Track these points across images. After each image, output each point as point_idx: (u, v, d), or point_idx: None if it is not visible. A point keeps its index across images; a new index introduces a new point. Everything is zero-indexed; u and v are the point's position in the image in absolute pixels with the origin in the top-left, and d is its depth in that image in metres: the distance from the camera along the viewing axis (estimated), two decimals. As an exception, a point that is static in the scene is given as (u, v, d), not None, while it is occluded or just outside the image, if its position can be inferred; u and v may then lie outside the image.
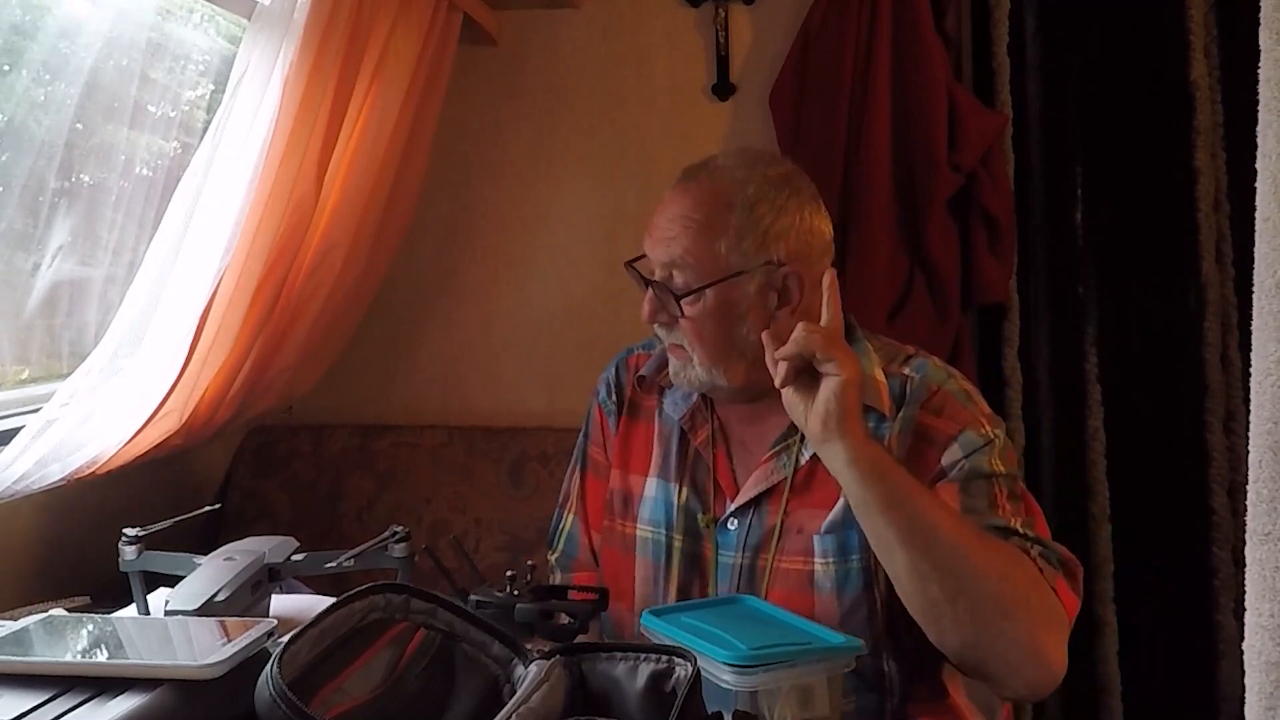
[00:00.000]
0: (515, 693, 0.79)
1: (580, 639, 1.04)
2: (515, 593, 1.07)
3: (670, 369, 1.20)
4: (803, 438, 1.15)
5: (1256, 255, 0.51)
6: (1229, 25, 1.83)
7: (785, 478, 1.16)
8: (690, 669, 0.78)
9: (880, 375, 1.16)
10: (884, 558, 1.03)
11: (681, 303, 1.13)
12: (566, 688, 0.81)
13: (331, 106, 1.50)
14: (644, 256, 1.18)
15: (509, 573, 1.09)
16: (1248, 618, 0.51)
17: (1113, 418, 1.87)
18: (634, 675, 0.81)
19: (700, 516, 1.20)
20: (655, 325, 1.17)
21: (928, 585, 1.00)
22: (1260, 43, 0.51)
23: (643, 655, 0.81)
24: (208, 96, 1.64)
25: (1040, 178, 1.90)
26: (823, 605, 1.11)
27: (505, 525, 1.95)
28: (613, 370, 1.34)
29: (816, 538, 1.12)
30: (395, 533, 1.16)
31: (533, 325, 2.11)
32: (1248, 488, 0.51)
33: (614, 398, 1.32)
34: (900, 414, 1.13)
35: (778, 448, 1.17)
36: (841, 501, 1.11)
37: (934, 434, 1.12)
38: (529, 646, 0.86)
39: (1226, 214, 1.85)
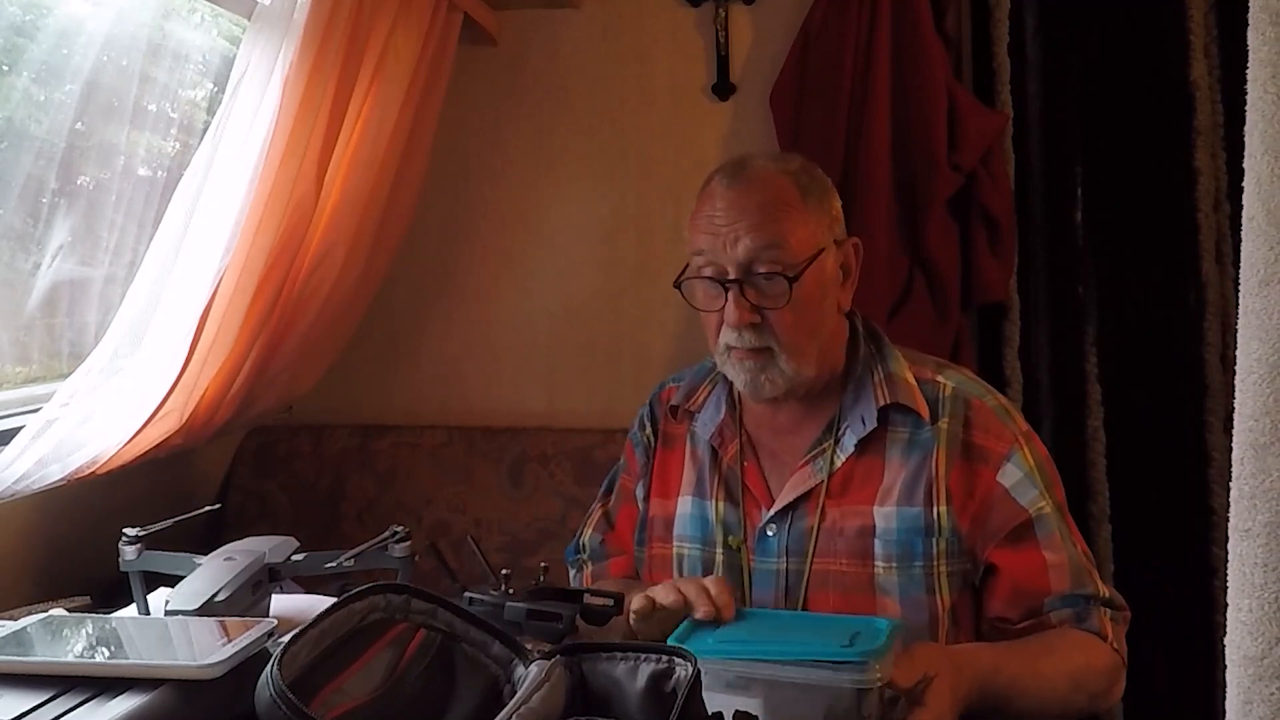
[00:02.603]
0: (516, 693, 0.79)
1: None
2: (510, 591, 1.07)
3: (743, 381, 1.17)
4: (837, 442, 1.19)
5: (1243, 254, 0.51)
6: (1229, 25, 1.83)
7: (821, 481, 1.18)
8: (690, 669, 0.78)
9: (911, 379, 1.19)
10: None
11: (793, 285, 1.12)
12: (567, 688, 0.81)
13: (331, 106, 1.50)
14: (689, 271, 1.19)
15: (504, 571, 1.10)
16: (1229, 613, 0.52)
17: (1113, 418, 1.87)
18: (634, 675, 0.81)
19: (731, 539, 1.21)
20: (738, 330, 1.14)
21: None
22: (1249, 43, 0.52)
23: (643, 655, 0.81)
24: (208, 96, 1.64)
25: (1040, 178, 1.90)
26: (884, 608, 1.14)
27: (505, 525, 1.95)
28: (647, 407, 1.37)
29: (878, 541, 1.15)
30: (395, 533, 1.16)
31: (533, 325, 2.11)
32: (1230, 484, 0.52)
33: (646, 431, 1.35)
34: (943, 426, 1.16)
35: (813, 453, 1.20)
36: (893, 508, 1.15)
37: (985, 453, 1.16)
38: (530, 647, 0.86)
39: (1226, 214, 1.85)
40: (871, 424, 1.17)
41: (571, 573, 1.41)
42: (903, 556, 1.14)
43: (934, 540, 1.14)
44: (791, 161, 1.20)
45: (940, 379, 1.20)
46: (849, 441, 1.18)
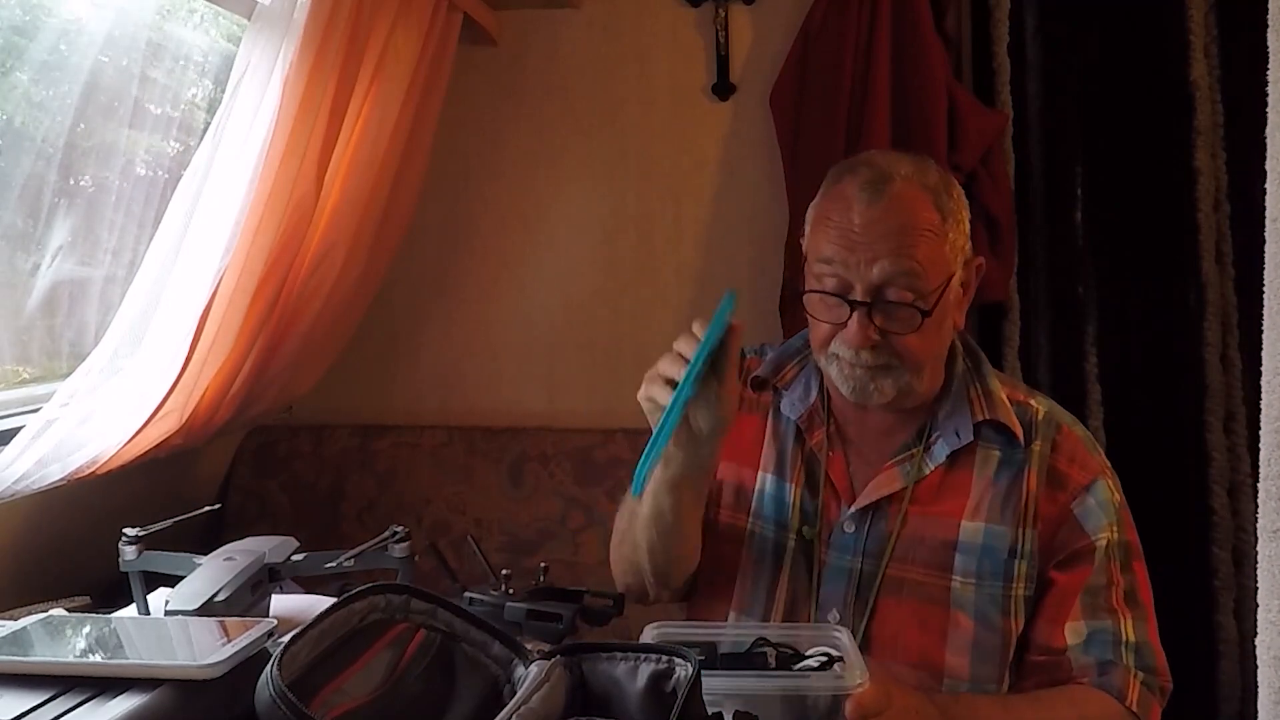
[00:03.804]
0: (516, 693, 0.79)
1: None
2: (510, 591, 1.07)
3: (849, 388, 1.14)
4: (927, 450, 1.16)
5: (1267, 255, 0.51)
6: (1229, 25, 1.82)
7: (907, 486, 1.16)
8: (690, 669, 0.78)
9: (1004, 396, 1.18)
10: None
11: (925, 318, 1.08)
12: (567, 688, 0.81)
13: (331, 106, 1.50)
14: (809, 276, 1.14)
15: (504, 571, 1.10)
16: (1259, 614, 0.51)
17: (1113, 418, 1.87)
18: (634, 675, 0.80)
19: (805, 529, 1.18)
20: (856, 350, 1.10)
21: None
22: (1269, 45, 0.51)
23: (643, 655, 0.81)
24: (208, 96, 1.64)
25: (1040, 178, 1.90)
26: (956, 623, 1.11)
27: (505, 525, 1.95)
28: None
29: (960, 555, 1.12)
30: (395, 533, 1.16)
31: (533, 325, 2.11)
32: (1258, 485, 0.52)
33: None
34: (1035, 448, 1.15)
35: (901, 456, 1.17)
36: (982, 524, 1.13)
37: (1067, 481, 1.13)
38: (530, 647, 0.86)
39: (1226, 214, 1.84)
40: (967, 437, 1.15)
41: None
42: (983, 574, 1.11)
43: (1016, 562, 1.11)
44: (929, 174, 1.13)
45: (1033, 402, 1.19)
46: (940, 451, 1.16)
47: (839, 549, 1.16)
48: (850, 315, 1.09)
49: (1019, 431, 1.14)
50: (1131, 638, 1.10)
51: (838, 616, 1.13)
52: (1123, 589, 1.12)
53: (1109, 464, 1.18)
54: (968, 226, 1.15)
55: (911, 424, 1.19)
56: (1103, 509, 1.13)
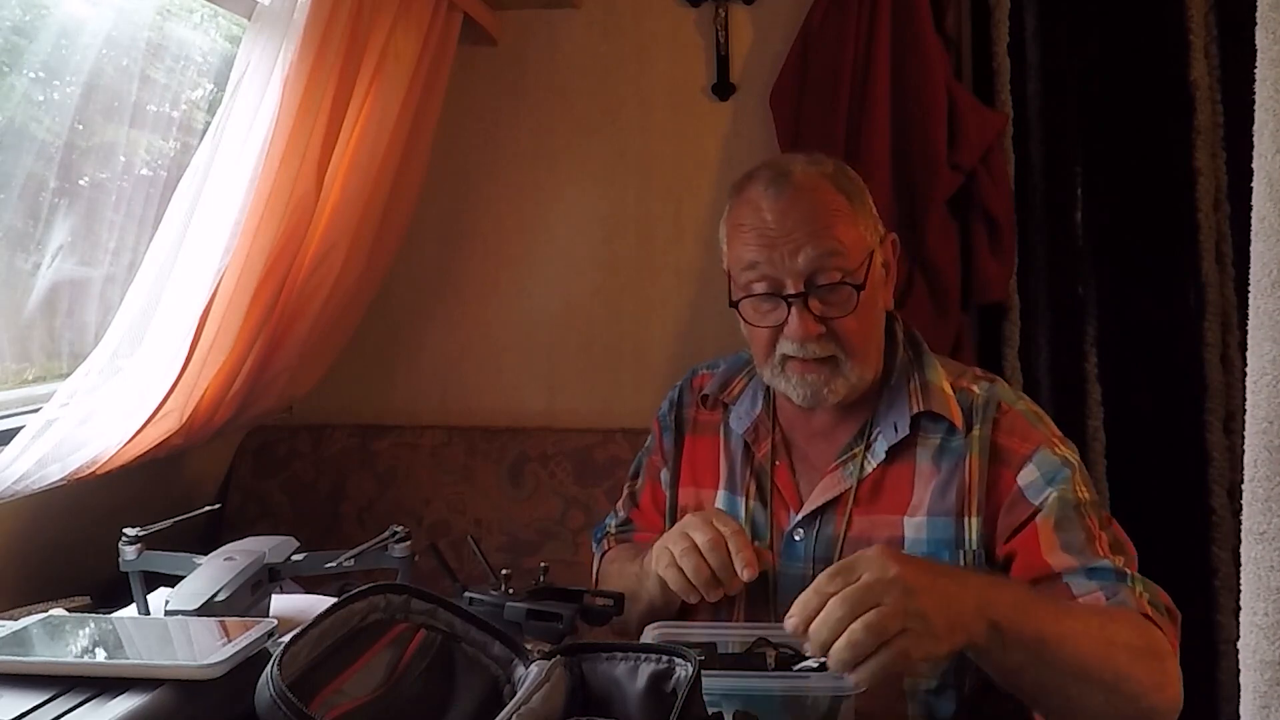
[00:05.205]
0: (516, 693, 0.79)
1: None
2: (510, 591, 1.07)
3: (802, 394, 1.15)
4: (868, 447, 1.16)
5: (1253, 254, 0.51)
6: (1229, 25, 1.83)
7: (850, 488, 1.16)
8: (690, 669, 0.78)
9: (948, 388, 1.17)
10: (1010, 681, 0.99)
11: (860, 293, 1.10)
12: (567, 688, 0.81)
13: (331, 106, 1.50)
14: (736, 286, 1.15)
15: (504, 571, 1.10)
16: (1243, 616, 0.51)
17: (1113, 418, 1.87)
18: (634, 676, 0.81)
19: (756, 543, 1.17)
20: (802, 343, 1.11)
21: (1062, 695, 0.98)
22: (1257, 42, 0.51)
23: (643, 655, 0.81)
24: (208, 96, 1.64)
25: (1040, 178, 1.90)
26: None
27: (505, 526, 1.95)
28: (676, 391, 1.36)
29: (906, 554, 1.09)
30: (395, 533, 1.16)
31: (533, 325, 2.11)
32: (1243, 487, 0.51)
33: (672, 415, 1.33)
34: (975, 433, 1.13)
35: (843, 458, 1.17)
36: (923, 519, 1.12)
37: (1008, 455, 1.12)
38: (530, 647, 0.86)
39: (1226, 214, 1.85)
40: (904, 431, 1.14)
41: (597, 553, 1.38)
42: None
43: (961, 553, 1.10)
44: (825, 164, 1.17)
45: (976, 389, 1.17)
46: (880, 448, 1.16)
47: (789, 557, 1.17)
48: (789, 311, 1.11)
49: (958, 419, 1.13)
50: (1130, 573, 1.07)
51: None
52: (1107, 542, 1.08)
53: (1060, 435, 1.15)
54: (873, 207, 1.18)
55: (853, 424, 1.19)
56: (1049, 475, 1.09)
